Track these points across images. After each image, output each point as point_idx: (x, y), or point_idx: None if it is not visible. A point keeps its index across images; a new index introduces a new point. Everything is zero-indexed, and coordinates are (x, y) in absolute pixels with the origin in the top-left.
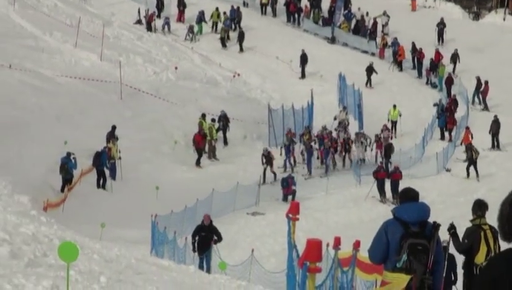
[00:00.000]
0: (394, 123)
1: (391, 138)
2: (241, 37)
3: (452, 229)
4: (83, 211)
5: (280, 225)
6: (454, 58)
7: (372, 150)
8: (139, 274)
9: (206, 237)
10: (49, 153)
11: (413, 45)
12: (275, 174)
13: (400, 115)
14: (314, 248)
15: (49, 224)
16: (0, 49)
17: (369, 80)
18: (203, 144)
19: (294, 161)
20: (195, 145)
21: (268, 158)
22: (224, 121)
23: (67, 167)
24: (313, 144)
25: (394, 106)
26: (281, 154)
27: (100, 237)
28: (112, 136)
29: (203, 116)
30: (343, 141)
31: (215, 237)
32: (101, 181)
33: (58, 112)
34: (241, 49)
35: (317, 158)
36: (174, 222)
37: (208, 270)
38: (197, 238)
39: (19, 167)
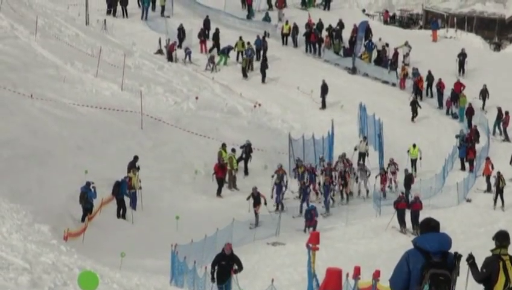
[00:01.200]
0: (414, 161)
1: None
2: (264, 68)
3: (471, 259)
4: (103, 240)
5: (300, 255)
6: (484, 94)
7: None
8: None
9: (226, 267)
10: (69, 182)
11: (429, 73)
12: (256, 215)
13: (420, 154)
14: (334, 276)
15: (70, 253)
16: (21, 78)
17: (414, 115)
18: (223, 174)
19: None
20: (215, 175)
21: (256, 199)
22: (247, 150)
23: (86, 197)
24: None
25: (414, 145)
26: (272, 196)
27: (120, 267)
28: (133, 166)
29: (223, 146)
30: (339, 174)
31: (236, 267)
32: (121, 211)
33: (79, 142)
34: (263, 80)
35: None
36: (194, 251)
37: None
38: (216, 267)
39: (39, 196)
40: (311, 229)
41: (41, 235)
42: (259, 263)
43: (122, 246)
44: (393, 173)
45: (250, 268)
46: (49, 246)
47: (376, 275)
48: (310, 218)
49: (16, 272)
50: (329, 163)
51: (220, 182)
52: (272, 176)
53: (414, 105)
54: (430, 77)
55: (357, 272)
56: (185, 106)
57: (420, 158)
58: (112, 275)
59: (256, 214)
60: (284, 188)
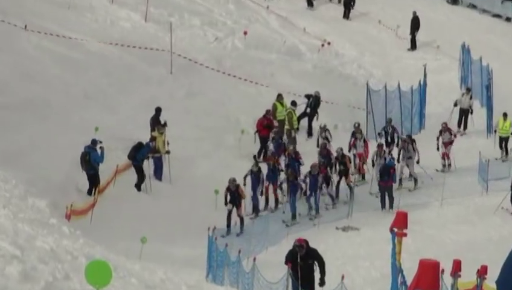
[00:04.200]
0: (504, 140)
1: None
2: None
3: None
4: (117, 220)
5: (378, 244)
6: None
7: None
8: None
9: (304, 268)
10: (74, 143)
11: None
12: (241, 219)
13: None
14: (430, 271)
15: (74, 237)
16: (14, 4)
17: None
18: (268, 132)
19: (267, 200)
20: (258, 134)
21: (234, 195)
22: (313, 104)
23: (89, 158)
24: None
25: (505, 115)
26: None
27: (140, 256)
28: (156, 122)
29: (280, 97)
30: (324, 165)
31: (319, 269)
32: (139, 182)
33: (87, 89)
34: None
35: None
36: (238, 237)
37: None
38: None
39: (35, 160)
40: (390, 209)
41: (37, 213)
42: (325, 253)
43: (143, 229)
44: (447, 144)
45: None
46: (46, 226)
47: (482, 271)
48: (387, 178)
49: (3, 260)
50: (325, 146)
51: (264, 143)
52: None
53: None
54: None
55: (456, 267)
56: (230, 44)
57: None
58: (130, 266)
59: (240, 217)
60: (261, 184)
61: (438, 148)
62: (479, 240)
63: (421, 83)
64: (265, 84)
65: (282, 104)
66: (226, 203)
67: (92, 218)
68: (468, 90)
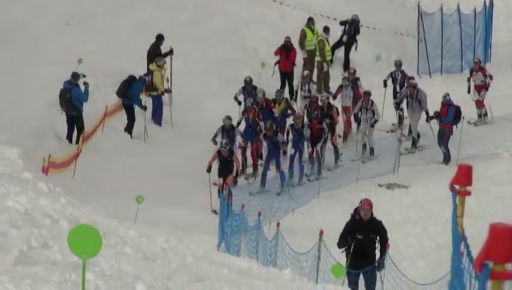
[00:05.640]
0: None
1: None
2: None
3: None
4: (107, 175)
5: (432, 206)
6: None
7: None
8: (199, 281)
9: (364, 242)
10: (52, 79)
11: None
12: (225, 188)
13: None
14: (504, 238)
15: (53, 195)
16: None
17: None
18: (291, 64)
19: (245, 163)
20: (278, 66)
21: (226, 163)
22: (351, 30)
23: (70, 97)
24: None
25: None
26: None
27: (135, 220)
28: (155, 53)
29: (310, 21)
30: (317, 119)
31: (378, 243)
32: (130, 125)
33: (68, 12)
34: None
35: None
36: (258, 196)
37: None
38: (347, 247)
39: (3, 100)
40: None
41: (7, 165)
42: None
43: (139, 186)
44: (481, 88)
45: None
46: (19, 182)
47: None
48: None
49: None
50: (316, 99)
51: (286, 78)
52: None
53: None
54: None
55: None
56: None
57: None
58: (123, 232)
59: (222, 187)
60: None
61: (468, 91)
62: None
63: (487, 3)
64: (292, 4)
65: (312, 30)
66: (208, 170)
67: (75, 172)
68: None
